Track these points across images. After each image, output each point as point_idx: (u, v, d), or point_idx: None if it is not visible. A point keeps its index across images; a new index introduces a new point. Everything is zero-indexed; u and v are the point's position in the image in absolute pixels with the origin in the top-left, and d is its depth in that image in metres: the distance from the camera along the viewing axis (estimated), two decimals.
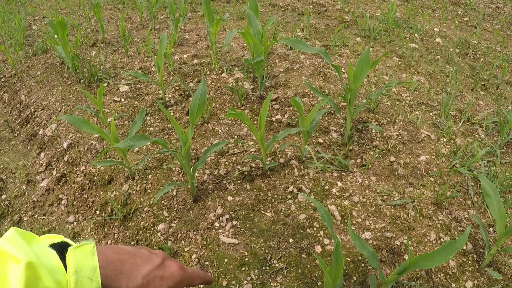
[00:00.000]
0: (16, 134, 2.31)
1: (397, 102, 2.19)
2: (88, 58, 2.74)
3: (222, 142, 1.49)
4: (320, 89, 2.24)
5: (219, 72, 2.42)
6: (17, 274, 0.43)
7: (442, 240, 1.46)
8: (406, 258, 1.39)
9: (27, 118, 2.36)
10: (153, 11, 3.18)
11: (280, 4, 3.77)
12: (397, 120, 2.02)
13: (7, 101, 2.60)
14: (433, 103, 2.23)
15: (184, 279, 0.69)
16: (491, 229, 1.53)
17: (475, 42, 3.13)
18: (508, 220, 1.55)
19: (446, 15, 3.62)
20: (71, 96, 2.36)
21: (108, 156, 1.85)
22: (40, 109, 2.34)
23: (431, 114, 2.13)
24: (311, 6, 3.73)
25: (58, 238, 0.56)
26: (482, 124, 2.10)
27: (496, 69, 2.75)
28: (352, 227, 1.45)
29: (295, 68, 2.46)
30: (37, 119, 2.29)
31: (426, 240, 1.45)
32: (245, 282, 1.29)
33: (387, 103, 2.15)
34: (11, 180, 1.97)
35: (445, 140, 1.94)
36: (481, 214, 1.59)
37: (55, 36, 3.01)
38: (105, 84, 2.38)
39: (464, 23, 3.55)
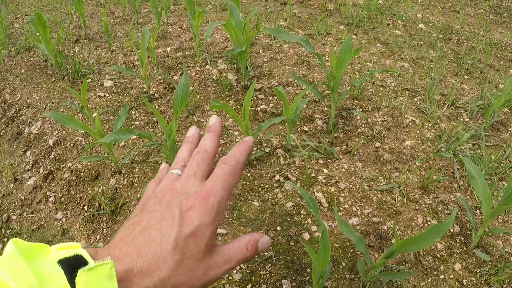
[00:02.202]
0: (1, 134, 2.28)
1: (381, 89, 2.19)
2: (72, 54, 2.70)
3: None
4: (304, 78, 2.23)
5: (203, 64, 2.40)
6: None
7: (429, 223, 1.47)
8: (394, 242, 1.40)
9: (12, 117, 2.33)
10: (135, 5, 3.15)
11: None
12: (381, 106, 2.03)
13: None
14: (417, 88, 2.24)
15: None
16: (477, 211, 1.55)
17: (458, 27, 3.15)
18: (494, 202, 1.57)
19: (428, 1, 3.63)
20: (55, 93, 2.33)
21: (94, 151, 1.83)
22: (25, 107, 2.31)
23: (416, 99, 2.14)
24: None
25: (72, 248, 0.44)
26: (467, 108, 2.11)
27: (479, 53, 2.77)
28: (339, 213, 1.45)
29: (278, 58, 2.46)
30: (22, 117, 2.26)
31: (413, 224, 1.46)
32: (234, 271, 1.28)
33: (371, 90, 2.16)
34: None
35: (430, 124, 1.95)
36: (468, 196, 1.61)
37: (38, 33, 2.97)
38: (89, 80, 2.35)
39: (447, 8, 3.56)
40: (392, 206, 1.51)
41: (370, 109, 2.00)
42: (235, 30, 1.82)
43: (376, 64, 2.44)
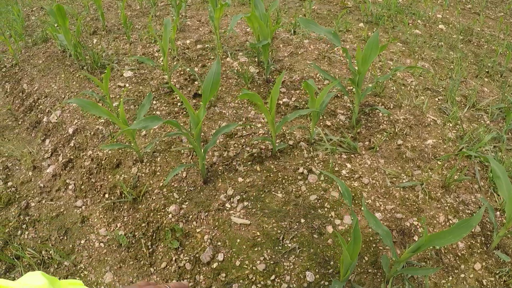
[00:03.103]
0: (19, 122, 2.31)
1: (402, 87, 2.20)
2: (90, 45, 2.73)
3: (233, 124, 1.50)
4: (323, 70, 2.25)
5: (224, 56, 2.42)
6: None
7: (451, 222, 1.48)
8: (416, 239, 1.41)
9: (30, 106, 2.36)
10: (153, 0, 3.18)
11: None
12: (403, 105, 2.04)
13: (9, 91, 2.59)
14: (438, 88, 2.24)
15: None
16: (498, 213, 1.55)
17: (479, 29, 3.15)
18: None
19: (448, 2, 3.63)
20: (74, 83, 2.35)
21: (115, 140, 1.85)
22: (43, 96, 2.34)
23: (437, 99, 2.15)
24: None
25: (76, 285, 0.57)
26: (487, 110, 2.11)
27: (500, 57, 2.77)
28: (363, 208, 1.47)
29: (299, 53, 2.47)
30: (41, 106, 2.29)
31: (435, 222, 1.47)
32: (258, 262, 1.30)
33: (392, 88, 2.17)
34: (17, 167, 1.97)
35: (451, 125, 1.96)
36: (488, 198, 1.61)
37: (56, 24, 3.00)
38: None
39: (467, 10, 3.56)
40: (414, 203, 1.52)
41: (391, 107, 2.01)
42: (260, 22, 1.84)
43: (397, 63, 2.45)
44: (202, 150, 1.47)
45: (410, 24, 3.08)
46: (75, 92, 2.25)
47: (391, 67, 2.39)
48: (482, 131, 1.92)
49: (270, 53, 2.08)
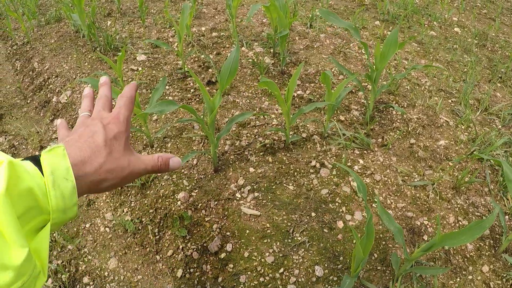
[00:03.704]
0: (28, 101, 2.29)
1: (416, 87, 2.17)
2: (104, 27, 2.70)
3: (248, 113, 1.48)
4: (341, 65, 2.23)
5: (239, 46, 2.39)
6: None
7: (460, 223, 1.46)
8: (426, 239, 1.40)
9: (40, 85, 2.33)
10: None
11: None
12: (416, 104, 2.01)
13: (19, 69, 2.56)
14: (451, 90, 2.22)
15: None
16: (507, 217, 1.53)
17: (493, 34, 3.11)
18: None
19: (464, 6, 3.59)
20: (86, 64, 2.33)
21: None
22: (54, 76, 2.31)
23: (450, 101, 2.12)
24: None
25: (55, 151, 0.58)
26: (499, 115, 2.09)
27: None
28: (374, 205, 1.45)
29: (315, 46, 2.44)
30: (51, 86, 2.26)
31: (445, 222, 1.45)
32: (267, 254, 1.28)
33: (407, 87, 2.14)
34: (23, 147, 1.95)
35: (463, 127, 1.94)
36: (498, 201, 1.59)
37: (70, 4, 2.97)
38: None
39: (482, 15, 3.52)
40: (425, 203, 1.50)
41: (405, 106, 1.99)
42: (279, 12, 1.81)
43: (412, 62, 2.42)
44: (215, 138, 1.44)
45: (426, 25, 3.05)
46: (87, 73, 2.23)
47: (406, 67, 2.36)
48: (493, 135, 1.90)
49: (286, 45, 2.06)
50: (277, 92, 1.34)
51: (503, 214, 1.44)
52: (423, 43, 2.74)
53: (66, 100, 2.09)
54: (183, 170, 1.57)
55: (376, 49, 1.63)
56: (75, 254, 1.44)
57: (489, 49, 2.90)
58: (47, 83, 2.31)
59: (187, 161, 1.60)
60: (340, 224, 1.38)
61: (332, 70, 2.19)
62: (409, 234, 1.41)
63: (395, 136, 1.76)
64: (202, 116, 1.65)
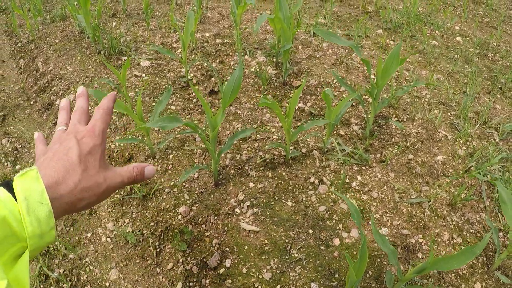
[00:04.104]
0: (31, 103, 2.30)
1: (416, 99, 2.19)
2: (108, 29, 2.71)
3: (250, 130, 1.50)
4: (342, 80, 2.24)
5: (242, 54, 2.40)
6: None
7: (454, 241, 1.49)
8: (420, 256, 1.42)
9: (43, 87, 2.35)
10: None
11: None
12: (416, 118, 2.03)
13: (23, 67, 2.58)
14: (451, 103, 2.23)
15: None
16: (501, 233, 1.56)
17: (495, 44, 3.12)
18: None
19: (467, 14, 3.59)
20: (90, 67, 2.34)
21: (127, 130, 1.85)
22: (57, 78, 2.33)
23: (449, 114, 2.14)
24: None
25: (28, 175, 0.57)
26: (498, 128, 2.11)
27: None
28: (369, 221, 1.47)
29: (317, 56, 2.45)
30: (54, 88, 2.28)
31: (439, 240, 1.48)
32: (265, 270, 1.31)
33: (407, 100, 2.15)
34: (26, 150, 1.97)
35: (461, 141, 1.96)
36: (492, 218, 1.62)
37: (76, 3, 2.98)
38: (125, 57, 2.37)
39: (485, 23, 3.53)
40: (420, 220, 1.53)
41: (405, 119, 2.01)
42: (283, 25, 1.82)
43: (413, 73, 2.43)
44: (217, 153, 1.46)
45: (428, 34, 3.06)
46: (90, 77, 2.24)
47: (407, 78, 2.37)
48: (491, 150, 1.92)
49: (289, 55, 2.07)
50: (278, 110, 1.36)
51: (496, 232, 1.46)
52: (424, 53, 2.75)
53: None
54: (184, 184, 1.59)
55: (378, 66, 1.64)
56: (76, 263, 1.47)
57: (490, 59, 2.91)
58: (50, 85, 2.32)
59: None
60: (337, 241, 1.40)
61: (334, 81, 2.20)
62: (404, 252, 1.44)
63: (393, 151, 1.78)
64: (204, 128, 1.67)
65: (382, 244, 1.22)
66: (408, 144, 1.85)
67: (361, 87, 2.15)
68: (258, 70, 2.23)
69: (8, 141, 2.00)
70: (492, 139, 2.04)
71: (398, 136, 1.89)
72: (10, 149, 1.95)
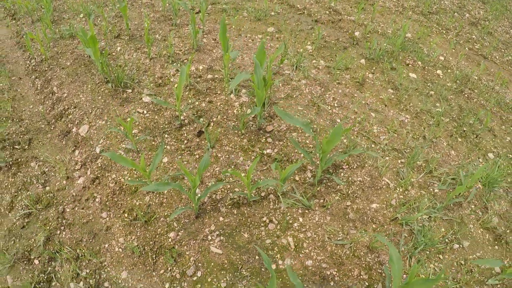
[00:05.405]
0: (52, 127, 3.54)
1: (373, 145, 3.41)
2: (114, 53, 3.98)
3: (220, 183, 2.80)
4: (310, 123, 3.49)
5: (228, 93, 3.67)
6: None
7: (361, 276, 2.68)
8: (332, 284, 2.72)
9: (60, 114, 3.61)
10: (175, 8, 4.36)
11: (298, 6, 4.91)
12: (366, 165, 3.24)
13: (40, 88, 3.86)
14: (405, 149, 3.37)
15: None
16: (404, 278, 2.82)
17: (476, 77, 4.21)
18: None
19: (458, 39, 4.63)
20: (99, 97, 3.62)
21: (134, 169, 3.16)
22: (72, 107, 3.60)
23: (399, 161, 3.28)
24: (327, 12, 4.86)
25: None
26: (441, 178, 3.16)
27: (483, 115, 3.78)
28: (300, 255, 2.78)
29: (294, 96, 3.68)
30: (70, 116, 3.55)
31: (350, 274, 2.70)
32: (222, 281, 2.62)
33: (364, 145, 3.36)
34: (52, 174, 3.27)
35: (401, 190, 3.09)
36: (405, 261, 2.79)
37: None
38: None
39: (475, 50, 4.55)
40: (339, 258, 2.75)
41: (355, 167, 3.24)
42: (256, 88, 3.07)
43: (379, 115, 3.61)
44: (197, 199, 2.78)
45: (410, 65, 4.21)
46: (101, 108, 3.53)
47: (371, 121, 3.58)
48: (426, 199, 3.00)
49: (269, 94, 3.24)
50: (242, 178, 2.67)
51: (389, 278, 2.72)
52: (398, 89, 3.93)
53: (85, 134, 3.40)
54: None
55: (324, 139, 2.89)
56: (98, 265, 2.80)
57: (466, 95, 4.02)
58: (66, 112, 3.60)
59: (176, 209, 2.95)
60: (274, 266, 2.71)
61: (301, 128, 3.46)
62: (320, 279, 2.74)
63: (336, 198, 3.07)
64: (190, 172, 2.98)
65: (293, 278, 2.53)
66: (349, 191, 3.10)
67: (318, 150, 3.40)
68: (239, 111, 3.49)
69: (36, 164, 3.33)
70: (431, 189, 3.14)
71: (343, 183, 3.15)
72: (39, 172, 3.27)
